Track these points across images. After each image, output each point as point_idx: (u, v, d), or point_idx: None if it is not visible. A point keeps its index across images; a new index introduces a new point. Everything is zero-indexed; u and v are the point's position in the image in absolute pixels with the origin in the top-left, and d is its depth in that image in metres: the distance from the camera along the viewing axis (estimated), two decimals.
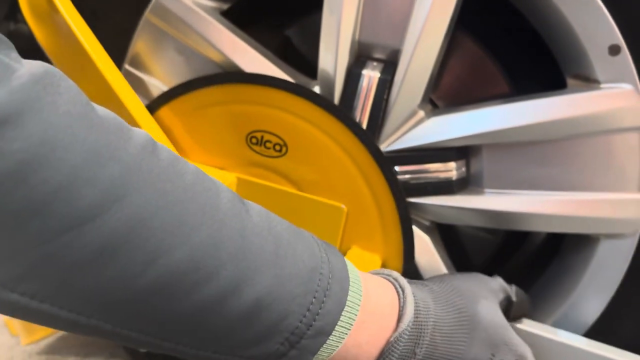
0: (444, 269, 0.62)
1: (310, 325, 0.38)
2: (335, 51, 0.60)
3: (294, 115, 0.62)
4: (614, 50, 0.54)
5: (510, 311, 0.53)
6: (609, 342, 0.59)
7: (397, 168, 0.61)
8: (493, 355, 0.47)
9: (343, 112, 0.60)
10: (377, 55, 0.61)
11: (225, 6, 0.69)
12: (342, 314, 0.40)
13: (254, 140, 0.64)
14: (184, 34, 0.65)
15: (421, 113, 0.60)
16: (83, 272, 0.31)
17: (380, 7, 0.59)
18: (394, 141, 0.61)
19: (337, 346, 0.41)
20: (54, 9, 0.61)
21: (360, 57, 0.61)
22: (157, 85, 0.68)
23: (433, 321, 0.45)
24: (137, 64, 0.68)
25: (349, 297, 0.41)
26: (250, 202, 0.41)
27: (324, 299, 0.39)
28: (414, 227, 0.62)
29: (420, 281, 0.51)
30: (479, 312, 0.48)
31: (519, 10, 0.62)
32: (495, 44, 0.67)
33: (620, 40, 0.54)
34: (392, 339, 0.43)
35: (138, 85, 0.69)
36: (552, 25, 0.58)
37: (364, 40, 0.61)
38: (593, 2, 0.53)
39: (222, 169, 0.66)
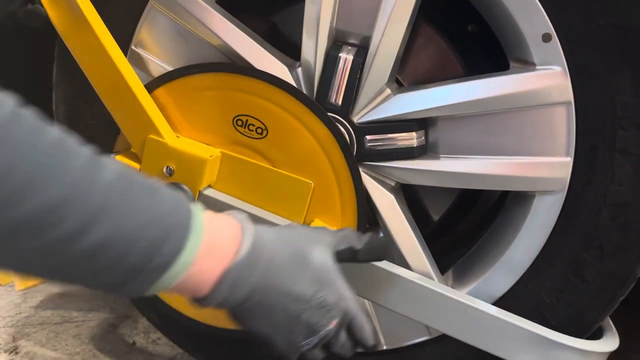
0: (406, 224, 0.73)
1: (146, 265, 0.47)
2: (315, 36, 0.70)
3: (274, 104, 0.72)
4: (546, 37, 0.65)
5: (357, 257, 0.62)
6: (543, 277, 0.71)
7: (367, 137, 0.71)
8: (318, 291, 0.56)
9: (314, 102, 0.70)
10: (352, 41, 0.71)
11: None
12: (180, 255, 0.49)
13: (239, 123, 0.74)
14: (184, 20, 0.74)
15: (388, 90, 0.70)
16: None
17: (354, 2, 0.69)
18: (365, 114, 0.71)
19: (178, 277, 0.49)
20: None
21: (337, 42, 0.72)
22: (160, 64, 0.77)
23: (268, 255, 0.54)
24: (142, 45, 0.78)
25: (189, 242, 0.49)
26: (111, 162, 0.47)
27: (163, 244, 0.47)
28: (381, 187, 0.73)
29: (277, 226, 0.61)
30: (312, 254, 0.57)
31: (471, 2, 0.72)
32: (451, 32, 0.78)
33: (551, 29, 0.65)
34: (228, 266, 0.52)
35: (143, 64, 0.78)
36: (497, 16, 0.68)
37: (340, 28, 0.71)
38: None
39: (208, 144, 0.76)
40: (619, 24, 0.63)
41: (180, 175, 0.73)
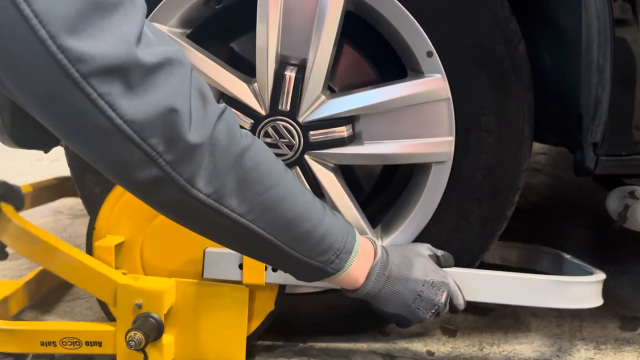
0: (344, 194, 1.00)
1: (344, 248, 0.78)
2: (266, 60, 0.95)
3: None
4: (429, 54, 0.93)
5: (440, 262, 0.91)
6: (441, 222, 0.99)
7: (310, 132, 0.97)
8: (427, 275, 0.85)
9: None
10: (293, 62, 0.96)
11: (188, 31, 1.01)
12: (354, 246, 0.80)
13: None
14: None
15: (323, 97, 0.96)
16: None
17: (292, 33, 0.94)
18: (308, 115, 0.96)
19: (351, 264, 0.79)
20: None
21: (282, 63, 0.96)
22: None
23: (391, 258, 0.84)
24: None
25: (355, 240, 0.81)
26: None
27: (348, 237, 0.79)
28: (324, 168, 0.99)
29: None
30: (416, 255, 0.88)
31: (375, 27, 0.99)
32: (367, 49, 1.04)
33: (432, 48, 0.92)
34: (372, 264, 0.82)
35: None
36: (394, 38, 0.95)
37: (284, 53, 0.96)
38: (415, 26, 0.91)
39: None
40: (476, 43, 0.91)
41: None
